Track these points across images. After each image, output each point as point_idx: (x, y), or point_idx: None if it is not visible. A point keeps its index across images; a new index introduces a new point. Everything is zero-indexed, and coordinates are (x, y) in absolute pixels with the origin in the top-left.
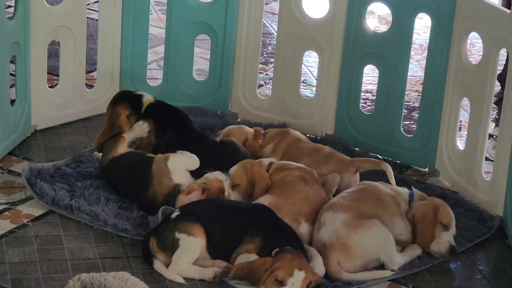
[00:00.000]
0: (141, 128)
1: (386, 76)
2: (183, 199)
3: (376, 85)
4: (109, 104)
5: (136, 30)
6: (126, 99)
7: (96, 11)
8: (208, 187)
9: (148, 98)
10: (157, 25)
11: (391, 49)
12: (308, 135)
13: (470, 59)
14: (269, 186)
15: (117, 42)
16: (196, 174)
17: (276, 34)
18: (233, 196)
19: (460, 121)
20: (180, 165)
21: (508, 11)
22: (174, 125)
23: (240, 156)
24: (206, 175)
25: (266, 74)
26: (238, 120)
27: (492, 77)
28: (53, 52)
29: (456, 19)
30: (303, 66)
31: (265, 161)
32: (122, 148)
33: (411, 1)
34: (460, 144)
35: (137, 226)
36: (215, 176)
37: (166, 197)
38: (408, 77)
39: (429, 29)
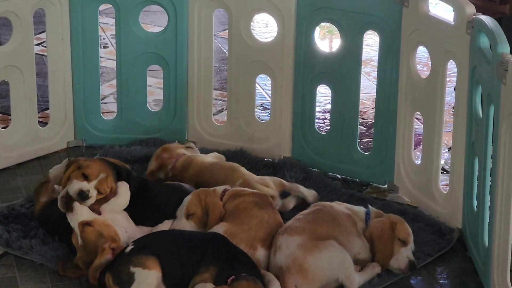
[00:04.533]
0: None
1: (339, 95)
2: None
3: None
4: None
5: (87, 65)
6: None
7: None
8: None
9: None
10: (113, 58)
11: (341, 68)
12: (266, 159)
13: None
14: (222, 215)
15: (68, 77)
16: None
17: None
18: (188, 225)
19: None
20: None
21: (453, 23)
22: None
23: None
24: None
25: (224, 100)
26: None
27: (441, 89)
28: (3, 92)
29: (403, 34)
30: (262, 90)
31: (219, 189)
32: (44, 197)
33: (357, 19)
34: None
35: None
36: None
37: None
38: (366, 94)
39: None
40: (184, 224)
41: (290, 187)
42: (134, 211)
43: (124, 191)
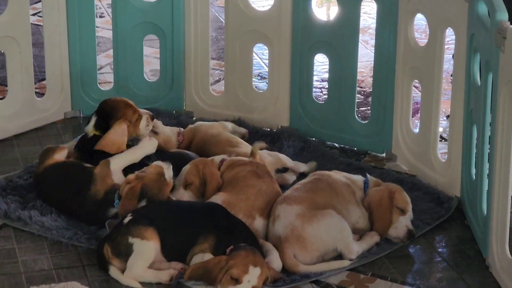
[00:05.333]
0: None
1: (336, 64)
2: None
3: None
4: None
5: (83, 35)
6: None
7: None
8: (144, 174)
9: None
10: (109, 27)
11: (339, 37)
12: (264, 129)
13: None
14: (220, 185)
15: (64, 48)
16: None
17: None
18: (186, 195)
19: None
20: (121, 165)
21: None
22: None
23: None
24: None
25: (222, 70)
26: (194, 118)
27: (440, 57)
28: (0, 63)
29: (401, 2)
30: (259, 60)
31: (217, 158)
32: (59, 155)
33: None
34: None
35: (91, 234)
36: (153, 164)
37: (106, 194)
38: (364, 63)
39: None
40: (182, 193)
41: (291, 167)
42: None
43: (145, 144)
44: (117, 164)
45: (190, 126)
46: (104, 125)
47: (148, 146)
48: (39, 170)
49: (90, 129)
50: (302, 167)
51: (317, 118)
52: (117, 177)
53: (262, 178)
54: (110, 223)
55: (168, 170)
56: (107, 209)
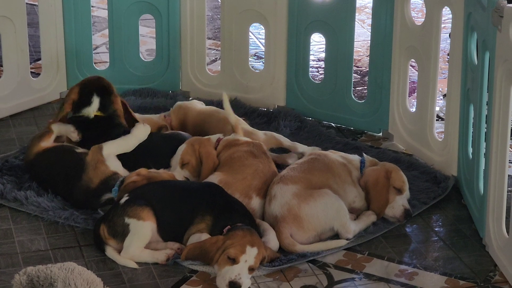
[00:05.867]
0: (70, 133)
1: (333, 43)
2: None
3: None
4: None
5: (78, 14)
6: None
7: None
8: (156, 175)
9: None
10: (104, 7)
11: (335, 16)
12: (260, 108)
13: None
14: (216, 165)
15: (60, 28)
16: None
17: None
18: (183, 174)
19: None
20: (114, 151)
21: None
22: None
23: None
24: (166, 170)
25: (218, 50)
26: (190, 98)
27: (436, 36)
28: None
29: None
30: (255, 39)
31: (213, 137)
32: (47, 142)
33: None
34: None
35: (87, 215)
36: (171, 173)
37: (102, 183)
38: (360, 42)
39: None
40: (178, 173)
41: (289, 147)
42: (128, 159)
43: (138, 132)
44: (110, 149)
45: (179, 104)
46: (106, 104)
47: (141, 133)
48: (30, 157)
49: (93, 111)
50: (300, 147)
51: (314, 97)
52: (113, 163)
53: (259, 158)
54: (104, 209)
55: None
56: (100, 196)
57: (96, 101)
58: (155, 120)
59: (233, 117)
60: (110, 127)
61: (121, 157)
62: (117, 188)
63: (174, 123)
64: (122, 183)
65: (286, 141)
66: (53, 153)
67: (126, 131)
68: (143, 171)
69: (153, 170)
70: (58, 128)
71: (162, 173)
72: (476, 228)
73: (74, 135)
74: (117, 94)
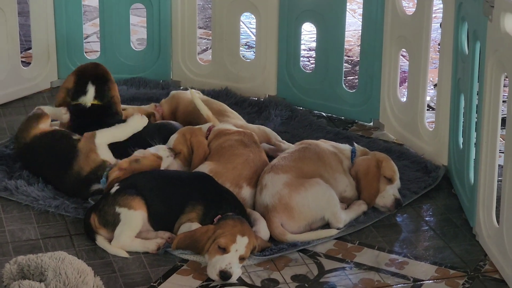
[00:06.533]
0: (61, 115)
1: (324, 33)
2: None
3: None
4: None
5: (69, 3)
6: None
7: None
8: (139, 166)
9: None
10: None
11: (326, 5)
12: (251, 98)
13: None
14: (207, 155)
15: (50, 17)
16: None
17: None
18: (175, 164)
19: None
20: (107, 140)
21: None
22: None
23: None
24: (147, 149)
25: (209, 39)
26: (181, 88)
27: (427, 26)
28: None
29: None
30: (246, 29)
31: (204, 127)
32: (44, 124)
33: None
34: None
35: (78, 204)
36: (152, 152)
37: (91, 172)
38: (351, 32)
39: None
40: (163, 150)
41: (275, 144)
42: (119, 147)
43: (134, 122)
44: (103, 138)
45: (172, 93)
46: (102, 92)
47: (137, 124)
48: (26, 139)
49: (89, 100)
50: (285, 146)
51: (305, 87)
52: (104, 152)
53: (249, 147)
54: (94, 199)
55: (167, 160)
56: (90, 186)
57: (91, 90)
58: (144, 108)
59: (205, 111)
60: (106, 115)
61: (111, 145)
62: (104, 179)
63: (166, 112)
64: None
65: (274, 138)
66: (50, 137)
67: (123, 120)
68: (124, 164)
69: (132, 157)
70: (50, 111)
71: (144, 160)
72: (467, 217)
73: (65, 116)
74: (114, 81)
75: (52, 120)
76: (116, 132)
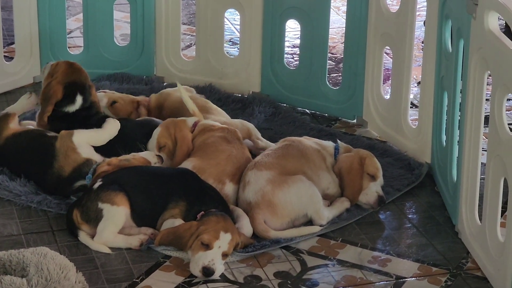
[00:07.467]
0: (28, 101)
1: (308, 30)
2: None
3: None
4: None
5: None
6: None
7: None
8: (128, 164)
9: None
10: None
11: (310, 2)
12: (235, 94)
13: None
14: (190, 150)
15: (34, 12)
16: (107, 152)
17: None
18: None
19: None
20: (85, 140)
21: None
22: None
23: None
24: (135, 153)
25: (193, 35)
26: (165, 83)
27: (411, 24)
28: None
29: None
30: (230, 25)
31: (190, 120)
32: (14, 124)
33: None
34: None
35: (60, 200)
36: (142, 156)
37: (74, 171)
38: (335, 29)
39: None
40: (151, 154)
41: (253, 141)
42: (103, 145)
43: (110, 127)
44: (80, 138)
45: (163, 90)
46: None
47: (112, 129)
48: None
49: (76, 107)
50: (264, 145)
51: (288, 84)
52: (86, 151)
53: (232, 144)
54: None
55: (155, 165)
56: (73, 184)
57: (79, 99)
58: (132, 96)
59: (191, 106)
60: (88, 116)
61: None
62: (90, 176)
63: (152, 105)
64: (96, 170)
65: (255, 135)
66: (24, 138)
67: (102, 118)
68: (114, 160)
69: (123, 157)
70: (15, 109)
71: (133, 160)
72: (449, 215)
73: (30, 100)
74: (92, 84)
75: (26, 120)
76: (94, 135)
